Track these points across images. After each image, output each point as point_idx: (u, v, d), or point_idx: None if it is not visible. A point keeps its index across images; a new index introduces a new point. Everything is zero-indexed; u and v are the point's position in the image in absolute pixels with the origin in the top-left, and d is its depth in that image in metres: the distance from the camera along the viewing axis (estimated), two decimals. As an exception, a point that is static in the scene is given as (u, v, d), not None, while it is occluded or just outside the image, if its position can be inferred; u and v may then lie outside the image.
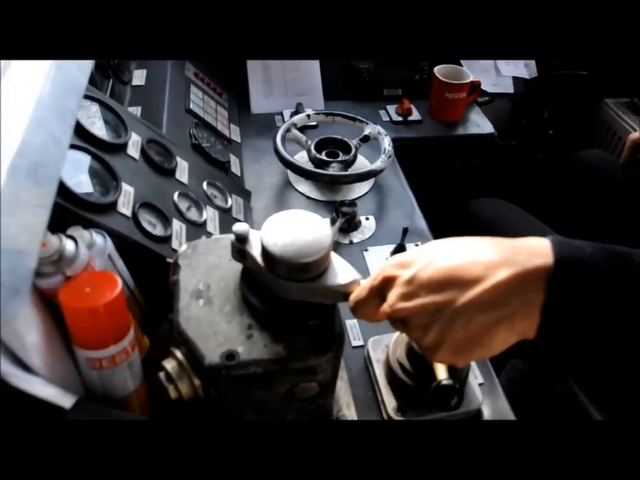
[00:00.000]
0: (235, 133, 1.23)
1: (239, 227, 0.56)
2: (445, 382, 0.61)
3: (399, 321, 0.52)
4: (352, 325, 0.84)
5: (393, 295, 0.51)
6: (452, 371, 0.63)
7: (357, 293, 0.55)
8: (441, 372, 0.62)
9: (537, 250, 0.46)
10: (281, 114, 1.35)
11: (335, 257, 0.57)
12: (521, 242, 0.48)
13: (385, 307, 0.52)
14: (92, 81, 0.92)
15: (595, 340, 0.46)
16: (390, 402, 0.69)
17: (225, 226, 0.90)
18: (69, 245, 0.55)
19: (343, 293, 0.56)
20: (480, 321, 0.47)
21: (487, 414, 0.72)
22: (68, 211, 0.65)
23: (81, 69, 0.66)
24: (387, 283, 0.52)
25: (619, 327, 0.44)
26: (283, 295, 0.55)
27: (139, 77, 1.12)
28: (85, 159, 0.74)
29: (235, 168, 1.11)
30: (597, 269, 0.44)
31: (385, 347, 0.75)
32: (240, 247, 0.57)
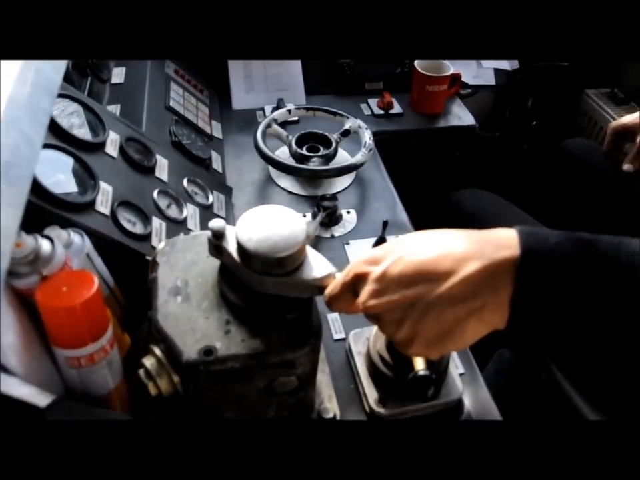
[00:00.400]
0: (216, 130, 1.23)
1: (215, 224, 0.57)
2: (421, 373, 0.61)
3: (372, 316, 0.53)
4: (333, 319, 0.84)
5: (364, 293, 0.52)
6: (431, 361, 0.64)
7: (330, 289, 0.55)
8: (419, 363, 0.62)
9: (504, 242, 0.47)
10: (263, 109, 1.35)
11: (310, 251, 0.58)
12: (489, 234, 0.49)
13: (358, 303, 0.53)
14: (70, 80, 0.91)
15: (567, 327, 0.46)
16: (371, 394, 0.70)
17: (206, 223, 0.90)
18: (45, 245, 0.55)
19: (319, 286, 0.56)
20: (450, 314, 0.47)
21: (468, 404, 0.73)
22: (45, 211, 0.65)
23: (55, 67, 0.65)
24: (358, 279, 0.53)
25: (587, 314, 0.45)
26: (260, 289, 0.56)
27: (117, 74, 1.11)
28: (62, 158, 0.74)
29: (216, 164, 1.11)
30: (563, 258, 0.45)
31: (365, 340, 0.75)
32: (216, 243, 0.57)
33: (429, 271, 0.48)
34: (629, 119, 1.19)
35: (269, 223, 0.55)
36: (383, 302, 0.50)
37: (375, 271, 0.51)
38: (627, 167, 1.16)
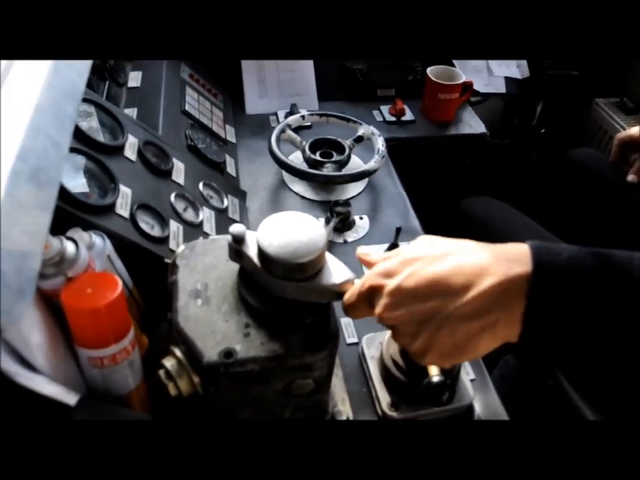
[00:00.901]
0: (230, 134, 1.25)
1: (236, 228, 0.58)
2: (435, 378, 0.62)
3: (387, 325, 0.54)
4: (347, 323, 0.85)
5: (380, 306, 0.53)
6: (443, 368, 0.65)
7: (347, 297, 0.57)
8: (433, 369, 0.63)
9: (516, 257, 0.48)
10: (276, 114, 1.36)
11: (329, 257, 0.59)
12: (501, 248, 0.50)
13: (375, 314, 0.54)
14: (88, 84, 0.92)
15: (577, 339, 0.47)
16: (384, 398, 0.71)
17: (221, 226, 0.91)
18: (70, 247, 0.56)
19: (337, 292, 0.57)
20: (464, 329, 0.49)
21: (478, 409, 0.74)
22: (67, 213, 0.66)
23: (79, 73, 0.67)
24: (373, 291, 0.54)
25: (599, 327, 0.46)
26: (279, 294, 0.57)
27: (134, 78, 1.13)
28: (82, 162, 0.75)
29: (230, 168, 1.13)
30: (575, 272, 0.46)
31: (379, 344, 0.76)
32: (237, 248, 0.58)
33: (443, 286, 0.49)
34: (636, 130, 1.20)
35: (289, 229, 0.56)
36: (397, 315, 0.51)
37: (390, 284, 0.52)
38: (631, 177, 1.17)
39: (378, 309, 0.53)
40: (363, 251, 0.61)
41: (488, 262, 0.48)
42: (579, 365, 0.87)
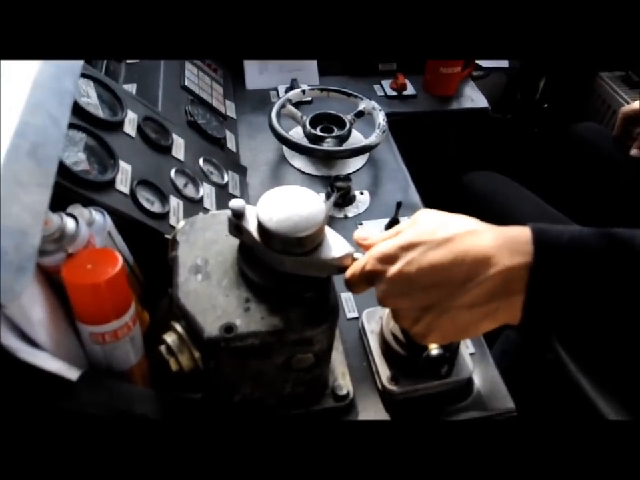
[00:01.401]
0: (230, 109, 1.24)
1: (236, 203, 0.58)
2: (434, 351, 0.63)
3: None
4: (347, 298, 0.85)
5: (380, 291, 0.53)
6: (442, 343, 0.65)
7: (348, 275, 0.57)
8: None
9: (519, 243, 0.48)
10: (276, 89, 1.35)
11: (329, 231, 0.59)
12: (503, 233, 0.49)
13: (376, 297, 0.54)
14: (87, 59, 0.92)
15: (580, 321, 0.47)
16: (384, 372, 0.71)
17: (222, 202, 0.91)
18: (70, 223, 0.56)
19: (337, 266, 0.57)
20: (466, 316, 0.49)
21: (477, 382, 0.74)
22: (67, 190, 0.66)
23: None
24: (374, 275, 0.54)
25: (602, 307, 0.46)
26: (279, 268, 0.57)
27: (133, 53, 1.12)
28: (82, 137, 0.75)
29: (230, 144, 1.12)
30: (577, 254, 0.46)
31: (379, 319, 0.77)
32: (236, 223, 0.58)
33: (444, 276, 0.49)
34: None
35: (289, 204, 0.56)
36: (398, 301, 0.52)
37: (390, 271, 0.51)
38: (634, 152, 1.16)
39: (378, 294, 0.54)
40: (360, 235, 0.60)
41: (490, 250, 0.48)
42: (580, 341, 0.87)
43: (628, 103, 1.56)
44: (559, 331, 0.51)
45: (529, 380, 1.01)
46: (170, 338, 0.55)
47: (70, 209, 0.62)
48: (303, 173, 1.13)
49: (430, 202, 1.07)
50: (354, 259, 0.58)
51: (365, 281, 0.55)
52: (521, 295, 0.47)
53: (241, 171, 1.06)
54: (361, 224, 1.00)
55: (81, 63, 0.66)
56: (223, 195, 0.94)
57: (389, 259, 0.52)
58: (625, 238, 0.46)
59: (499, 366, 0.79)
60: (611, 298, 0.45)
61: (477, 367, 0.76)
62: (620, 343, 0.51)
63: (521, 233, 0.48)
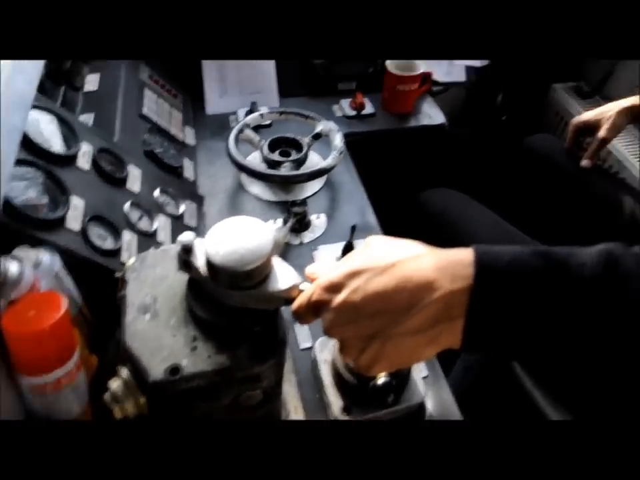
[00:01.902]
0: (189, 136, 1.24)
1: (184, 237, 0.57)
2: (381, 380, 0.64)
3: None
4: (300, 328, 0.85)
5: (326, 320, 0.53)
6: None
7: (295, 306, 0.57)
8: (381, 370, 0.65)
9: (461, 267, 0.48)
10: (236, 113, 1.36)
11: (276, 262, 0.58)
12: (447, 257, 0.50)
13: (322, 328, 0.55)
14: (43, 89, 0.91)
15: (518, 345, 0.48)
16: (336, 402, 0.72)
17: (177, 233, 0.89)
18: (13, 268, 0.56)
19: (285, 298, 0.57)
20: (409, 343, 0.50)
21: (430, 407, 0.75)
22: (14, 231, 0.66)
23: (29, 80, 0.65)
24: (319, 305, 0.54)
25: (542, 327, 0.47)
26: (228, 302, 0.56)
27: (92, 81, 1.11)
28: (32, 173, 0.74)
29: (188, 172, 1.12)
30: (516, 276, 0.47)
31: (331, 347, 0.77)
32: (185, 258, 0.57)
33: (388, 303, 0.49)
34: (590, 115, 1.21)
35: (236, 236, 0.56)
36: (344, 331, 0.52)
37: (335, 300, 0.52)
38: (585, 162, 1.19)
39: (324, 324, 0.54)
40: (310, 270, 0.60)
41: (432, 275, 0.49)
42: (528, 359, 0.89)
43: (580, 113, 1.59)
44: (498, 353, 0.52)
45: (488, 398, 1.02)
46: (115, 384, 0.55)
47: (16, 251, 0.62)
48: (261, 199, 1.14)
49: (388, 222, 1.08)
50: (300, 291, 0.57)
51: (311, 311, 0.55)
52: (461, 319, 0.48)
53: (198, 200, 1.06)
54: (316, 249, 1.00)
55: (32, 95, 0.65)
56: (178, 227, 0.94)
57: (335, 287, 0.52)
58: (561, 258, 0.47)
59: (461, 383, 0.80)
60: (548, 318, 0.46)
61: (430, 390, 0.77)
62: (560, 358, 0.52)
63: (464, 256, 0.49)
